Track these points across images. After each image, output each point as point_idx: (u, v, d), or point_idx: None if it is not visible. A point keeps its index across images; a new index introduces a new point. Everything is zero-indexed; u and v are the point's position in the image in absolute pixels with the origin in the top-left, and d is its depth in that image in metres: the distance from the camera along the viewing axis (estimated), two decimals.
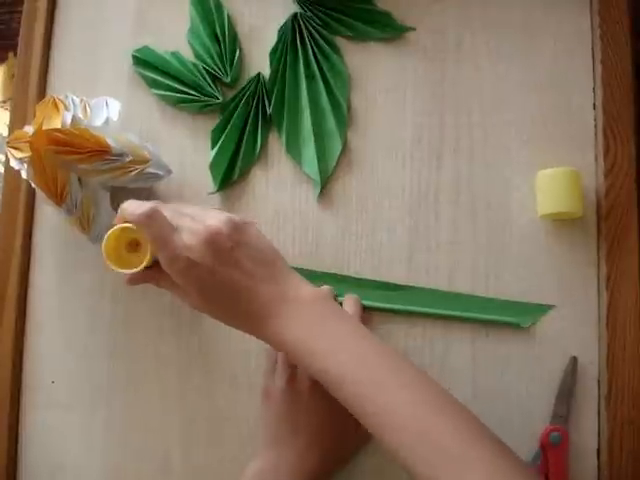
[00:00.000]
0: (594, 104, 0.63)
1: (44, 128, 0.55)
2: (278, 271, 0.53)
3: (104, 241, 0.51)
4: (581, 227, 0.61)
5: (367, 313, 0.61)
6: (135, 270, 0.51)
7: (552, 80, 0.64)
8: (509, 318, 0.59)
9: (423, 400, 0.47)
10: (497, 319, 0.57)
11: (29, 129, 0.59)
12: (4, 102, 0.80)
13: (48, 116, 0.58)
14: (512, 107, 0.64)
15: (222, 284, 0.50)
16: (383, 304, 0.61)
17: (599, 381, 0.59)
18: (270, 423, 0.58)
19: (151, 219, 0.50)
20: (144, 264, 0.51)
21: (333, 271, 0.62)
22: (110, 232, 0.52)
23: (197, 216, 0.52)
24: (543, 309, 0.60)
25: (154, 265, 0.53)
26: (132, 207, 0.51)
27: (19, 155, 0.57)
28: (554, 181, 0.59)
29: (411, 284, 0.62)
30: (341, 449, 0.58)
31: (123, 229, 0.51)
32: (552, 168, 0.60)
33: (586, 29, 0.64)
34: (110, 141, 0.57)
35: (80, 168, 0.57)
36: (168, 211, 0.51)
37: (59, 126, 0.57)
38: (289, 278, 0.53)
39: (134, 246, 0.52)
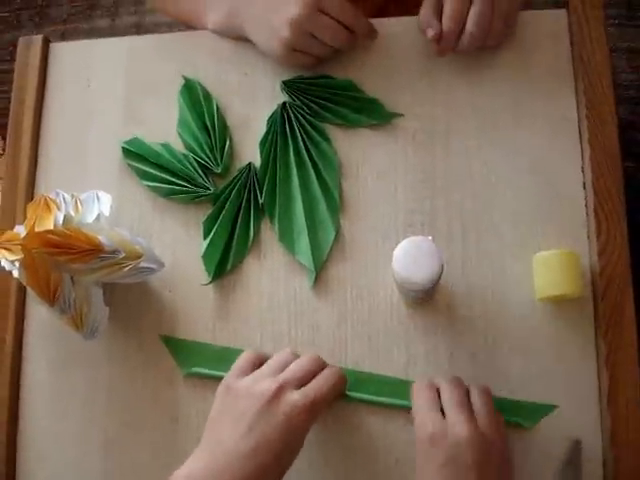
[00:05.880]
0: (584, 184, 0.63)
1: (36, 230, 0.55)
2: None
3: None
4: (577, 307, 0.60)
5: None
6: None
7: (541, 161, 0.64)
8: (512, 418, 0.58)
9: None
10: None
11: (20, 229, 0.58)
12: None
13: (40, 216, 0.57)
14: (503, 189, 0.64)
15: None
16: (383, 398, 0.60)
17: (604, 462, 0.58)
18: (221, 418, 0.54)
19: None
20: None
21: (331, 361, 0.61)
22: None
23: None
24: (546, 409, 0.58)
25: None
26: None
27: (11, 257, 0.56)
28: (552, 263, 0.59)
29: (409, 371, 0.61)
30: (288, 461, 0.53)
31: None
32: (548, 250, 0.59)
33: (572, 109, 0.65)
34: (102, 239, 0.57)
35: (73, 268, 0.57)
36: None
37: (51, 226, 0.56)
38: None
39: None
